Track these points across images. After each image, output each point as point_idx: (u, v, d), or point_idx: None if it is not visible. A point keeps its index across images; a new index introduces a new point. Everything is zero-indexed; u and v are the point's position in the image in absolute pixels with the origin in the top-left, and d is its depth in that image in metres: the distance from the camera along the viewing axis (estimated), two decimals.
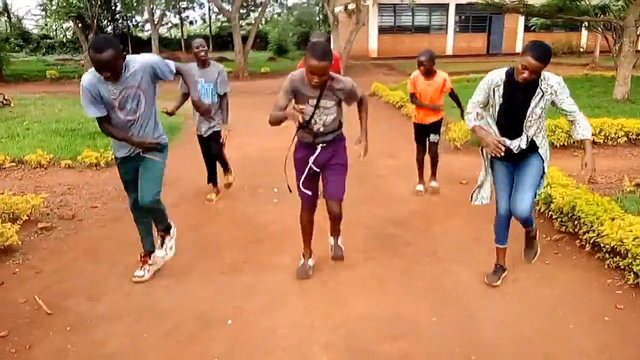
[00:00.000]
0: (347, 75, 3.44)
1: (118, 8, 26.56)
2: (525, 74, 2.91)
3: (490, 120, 3.24)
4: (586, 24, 14.30)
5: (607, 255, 3.63)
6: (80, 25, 20.25)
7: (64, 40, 31.56)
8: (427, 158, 5.31)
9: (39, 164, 6.40)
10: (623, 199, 4.40)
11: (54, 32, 33.69)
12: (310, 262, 3.68)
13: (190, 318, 3.13)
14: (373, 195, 5.33)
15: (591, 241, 3.78)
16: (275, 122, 3.18)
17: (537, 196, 3.47)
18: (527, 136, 3.18)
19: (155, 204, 3.38)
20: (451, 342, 2.86)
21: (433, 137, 5.14)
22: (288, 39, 32.15)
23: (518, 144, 3.19)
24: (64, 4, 18.99)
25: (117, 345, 2.88)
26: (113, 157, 3.56)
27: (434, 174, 5.29)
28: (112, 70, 2.95)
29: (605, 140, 6.89)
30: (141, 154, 3.33)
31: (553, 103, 3.10)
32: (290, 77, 3.16)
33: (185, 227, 4.52)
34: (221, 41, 34.77)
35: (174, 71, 3.29)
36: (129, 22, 33.36)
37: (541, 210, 4.52)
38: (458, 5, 25.26)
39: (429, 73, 4.93)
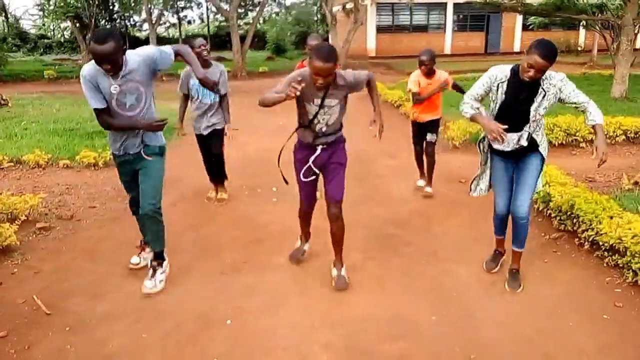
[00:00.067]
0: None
1: (116, 8, 26.54)
2: (532, 73, 2.91)
3: (488, 116, 3.24)
4: (584, 22, 14.36)
5: (605, 254, 3.64)
6: (78, 25, 20.21)
7: (62, 40, 31.55)
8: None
9: (37, 164, 6.39)
10: (621, 197, 4.41)
11: (52, 32, 33.67)
12: (306, 246, 3.74)
13: (190, 318, 3.12)
14: (373, 195, 5.33)
15: (590, 239, 3.79)
16: (269, 103, 3.05)
17: (534, 194, 3.49)
18: (528, 133, 3.18)
19: (156, 213, 3.36)
20: (451, 342, 2.86)
21: (430, 137, 5.11)
22: (286, 38, 32.13)
23: (516, 138, 3.19)
24: (62, 4, 18.97)
25: (117, 345, 2.87)
26: (111, 156, 3.52)
27: (429, 178, 5.24)
28: (112, 63, 2.93)
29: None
30: (142, 152, 3.30)
31: (560, 100, 3.10)
32: (299, 72, 3.12)
33: (185, 227, 4.52)
34: (219, 41, 34.75)
35: (173, 54, 3.27)
36: (126, 21, 33.31)
37: (540, 209, 4.52)
38: (456, 4, 25.28)
39: (430, 73, 4.93)
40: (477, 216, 4.47)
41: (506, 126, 3.04)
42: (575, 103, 3.10)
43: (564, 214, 4.17)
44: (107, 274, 3.69)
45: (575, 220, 4.01)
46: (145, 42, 28.07)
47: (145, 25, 30.82)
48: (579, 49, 24.66)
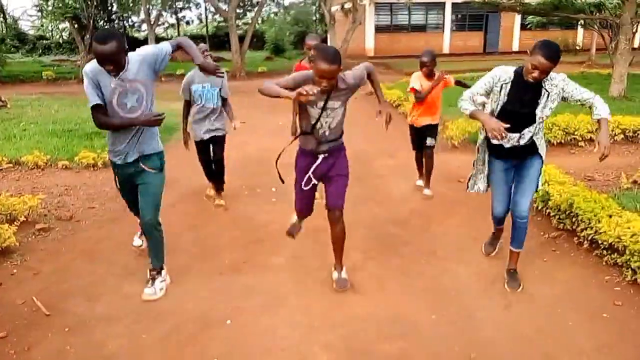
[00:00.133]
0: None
1: (114, 8, 26.47)
2: (536, 74, 2.91)
3: (488, 101, 3.24)
4: (582, 21, 14.37)
5: (605, 252, 3.65)
6: (76, 25, 20.16)
7: (60, 41, 31.48)
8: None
9: (36, 165, 6.38)
10: (620, 196, 4.41)
11: (50, 33, 33.61)
12: (302, 223, 3.72)
13: (190, 318, 3.12)
14: (372, 195, 5.33)
15: (589, 238, 3.79)
16: (271, 94, 2.94)
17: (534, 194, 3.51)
18: (532, 134, 3.18)
19: (155, 225, 3.36)
20: (451, 342, 2.86)
21: (430, 141, 5.12)
22: (285, 38, 32.10)
23: (517, 136, 3.19)
24: (60, 5, 18.90)
25: (116, 346, 2.87)
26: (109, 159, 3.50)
27: (428, 181, 5.24)
28: (114, 63, 2.93)
29: None
30: (140, 163, 3.29)
31: (564, 99, 3.10)
32: (307, 73, 3.06)
33: (184, 228, 4.52)
34: (218, 41, 34.70)
35: (172, 49, 3.25)
36: (125, 22, 33.24)
37: (539, 208, 4.53)
38: (454, 4, 25.26)
39: (431, 74, 4.93)
40: (476, 215, 4.47)
41: (508, 125, 3.04)
42: (580, 100, 3.09)
43: (563, 212, 4.17)
44: (107, 274, 3.69)
45: (574, 219, 4.02)
46: (144, 42, 28.02)
47: (144, 26, 30.79)
48: (577, 48, 24.67)
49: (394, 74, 18.09)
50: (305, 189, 3.37)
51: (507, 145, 3.25)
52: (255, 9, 25.93)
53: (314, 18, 35.02)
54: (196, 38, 33.03)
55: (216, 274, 3.68)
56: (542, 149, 3.29)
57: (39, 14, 25.03)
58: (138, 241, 3.95)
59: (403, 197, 5.25)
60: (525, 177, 3.30)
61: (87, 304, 3.30)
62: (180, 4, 35.61)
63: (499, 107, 3.16)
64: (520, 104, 3.09)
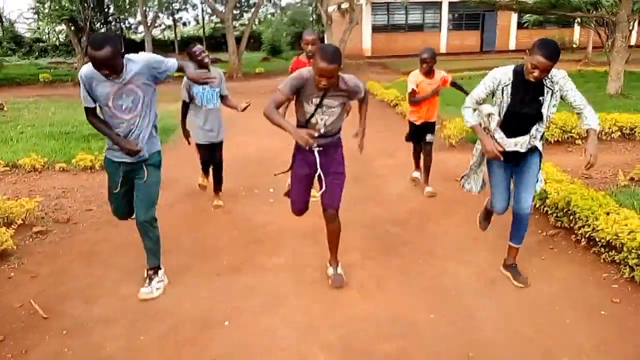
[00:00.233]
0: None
1: (111, 10, 26.45)
2: (536, 73, 2.91)
3: (494, 119, 3.22)
4: (579, 20, 14.38)
5: (602, 250, 3.65)
6: (73, 28, 20.15)
7: (57, 43, 31.44)
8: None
9: (33, 167, 6.36)
10: (618, 193, 4.41)
11: (47, 36, 33.52)
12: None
13: (189, 319, 3.12)
14: (372, 195, 5.33)
15: (587, 236, 3.80)
16: (274, 123, 3.01)
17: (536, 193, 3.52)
18: (536, 132, 3.18)
19: (151, 222, 3.35)
20: (450, 342, 2.86)
21: (430, 137, 5.14)
22: (282, 39, 32.07)
23: (522, 142, 3.19)
24: (57, 7, 18.89)
25: (114, 347, 2.87)
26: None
27: (427, 177, 5.26)
28: (110, 68, 2.91)
29: (599, 135, 6.89)
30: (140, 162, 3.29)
31: (562, 97, 3.11)
32: (299, 73, 3.06)
33: (182, 228, 4.52)
34: (215, 42, 34.68)
35: (176, 67, 3.27)
36: (122, 24, 33.23)
37: (536, 206, 4.53)
38: (451, 3, 25.31)
39: (430, 71, 4.93)
40: (474, 214, 4.46)
41: (507, 139, 3.12)
42: (572, 103, 3.09)
43: (561, 210, 4.17)
44: (104, 276, 3.68)
45: (571, 217, 4.02)
46: (141, 44, 28.00)
47: (141, 28, 30.72)
48: (574, 46, 24.69)
49: (391, 73, 18.11)
50: (299, 183, 3.37)
51: (510, 150, 3.24)
52: (252, 10, 25.95)
53: (311, 18, 34.99)
54: (193, 39, 33.04)
55: (215, 274, 3.68)
56: (540, 146, 3.30)
57: (36, 16, 25.01)
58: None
59: (402, 197, 5.25)
60: (527, 172, 3.30)
61: (84, 306, 3.29)
62: (177, 6, 35.62)
63: (503, 109, 3.15)
64: (524, 104, 3.09)
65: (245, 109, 4.90)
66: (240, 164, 6.41)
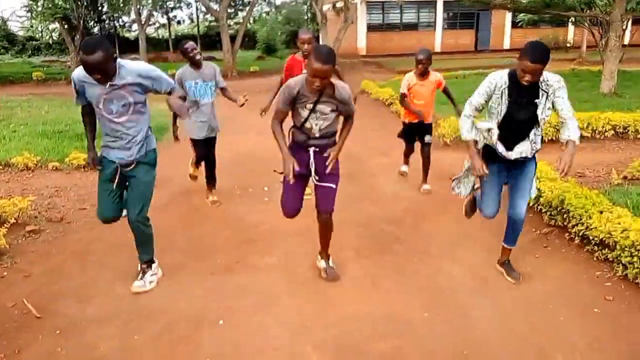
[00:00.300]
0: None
1: (104, 9, 26.29)
2: (528, 77, 2.92)
3: (495, 133, 3.22)
4: (573, 19, 14.44)
5: (595, 248, 3.66)
6: (66, 26, 20.02)
7: (50, 41, 31.22)
8: (417, 157, 5.33)
9: (26, 166, 6.32)
10: (611, 192, 4.44)
11: (40, 34, 33.29)
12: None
13: (182, 318, 3.11)
14: (367, 193, 5.33)
15: (580, 234, 3.81)
16: (275, 140, 3.17)
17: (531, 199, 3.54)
18: (535, 137, 3.18)
19: (143, 221, 3.34)
20: (445, 340, 2.86)
21: (427, 139, 5.16)
22: (276, 37, 32.04)
23: (525, 149, 3.19)
24: (50, 5, 18.76)
25: (108, 347, 2.85)
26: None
27: (425, 176, 5.29)
28: (102, 73, 2.89)
29: (593, 134, 6.96)
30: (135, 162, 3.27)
31: (552, 102, 3.11)
32: (286, 86, 3.10)
33: (176, 227, 4.50)
34: (209, 41, 34.56)
35: (168, 90, 3.23)
36: (115, 22, 33.05)
37: (530, 205, 4.54)
38: (446, 2, 25.34)
39: (425, 73, 4.93)
40: None
41: (506, 151, 3.17)
42: (559, 110, 3.08)
43: (554, 209, 4.19)
44: (98, 276, 3.66)
45: (565, 215, 4.04)
46: (135, 42, 27.87)
47: (135, 26, 30.58)
48: (568, 45, 24.78)
49: (386, 72, 18.12)
50: (294, 182, 3.34)
51: (512, 158, 3.23)
52: (247, 8, 25.86)
53: (306, 17, 34.96)
54: (187, 38, 32.93)
55: (208, 274, 3.67)
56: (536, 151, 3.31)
57: (29, 14, 24.77)
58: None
59: (397, 196, 5.26)
60: (523, 178, 3.30)
61: (78, 305, 3.27)
62: (171, 4, 35.42)
63: (501, 113, 3.13)
64: (521, 107, 3.08)
65: (244, 104, 4.91)
66: (234, 163, 6.40)
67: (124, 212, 3.44)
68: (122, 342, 2.89)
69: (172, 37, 34.48)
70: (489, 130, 3.20)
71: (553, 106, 3.10)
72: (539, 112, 3.08)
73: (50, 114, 10.22)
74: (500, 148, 3.21)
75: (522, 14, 16.31)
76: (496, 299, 3.27)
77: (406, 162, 5.60)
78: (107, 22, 29.95)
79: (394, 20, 25.96)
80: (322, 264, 3.57)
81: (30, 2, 20.26)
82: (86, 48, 2.83)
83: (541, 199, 4.36)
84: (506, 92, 3.09)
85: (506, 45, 25.93)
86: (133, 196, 3.31)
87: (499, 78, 3.11)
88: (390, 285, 3.48)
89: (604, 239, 3.53)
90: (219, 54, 23.39)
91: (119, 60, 3.05)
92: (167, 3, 34.28)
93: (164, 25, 37.56)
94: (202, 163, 5.09)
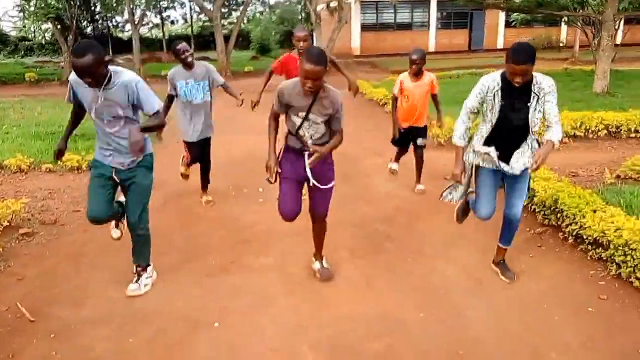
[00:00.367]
0: (329, 74, 3.38)
1: (98, 9, 26.20)
2: (517, 79, 2.93)
3: (485, 130, 3.22)
4: (566, 19, 14.53)
5: (590, 247, 3.68)
6: (59, 26, 19.91)
7: (43, 42, 31.11)
8: (411, 157, 5.34)
9: (19, 168, 6.28)
10: (604, 192, 4.46)
11: (33, 34, 33.16)
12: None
13: (178, 320, 3.10)
14: (361, 194, 5.33)
15: (574, 234, 3.83)
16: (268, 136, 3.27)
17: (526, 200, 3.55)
18: (532, 142, 3.19)
19: (142, 224, 3.33)
20: (439, 340, 2.87)
21: (421, 142, 5.16)
22: (271, 38, 32.03)
23: (524, 161, 3.19)
24: (43, 6, 18.64)
25: (103, 350, 2.84)
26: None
27: (419, 178, 5.31)
28: (92, 76, 2.86)
29: (586, 134, 6.99)
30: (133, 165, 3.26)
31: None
32: (279, 90, 3.10)
33: (172, 229, 4.49)
34: (203, 41, 34.50)
35: (156, 109, 3.14)
36: (109, 22, 32.96)
37: (524, 204, 4.55)
38: (440, 2, 25.40)
39: (419, 73, 4.93)
40: None
41: (503, 164, 3.21)
42: (547, 115, 3.08)
43: (548, 209, 4.21)
44: (92, 278, 3.65)
45: (559, 215, 4.06)
46: (129, 43, 27.73)
47: (128, 26, 30.48)
48: (561, 45, 24.91)
49: (380, 72, 18.14)
50: (291, 183, 3.33)
51: (517, 172, 3.24)
52: (241, 8, 25.82)
53: (300, 17, 34.94)
54: (181, 38, 32.83)
55: (204, 275, 3.66)
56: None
57: (21, 15, 24.64)
58: (116, 232, 3.65)
59: (391, 196, 5.26)
60: (520, 180, 3.31)
61: (72, 308, 3.26)
62: (165, 4, 35.32)
63: (496, 115, 3.13)
64: (514, 110, 3.08)
65: (242, 104, 4.94)
66: (229, 163, 6.39)
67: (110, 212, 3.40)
68: (117, 346, 2.88)
69: (166, 37, 34.40)
70: (486, 154, 3.22)
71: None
72: (530, 114, 3.09)
73: (43, 115, 10.17)
74: (506, 168, 3.22)
75: (515, 14, 16.39)
76: (491, 299, 3.28)
77: (397, 160, 5.61)
78: (100, 22, 29.85)
79: (388, 20, 26.00)
80: (316, 265, 3.58)
81: (23, 2, 20.13)
82: (77, 51, 2.81)
83: (535, 199, 4.38)
84: (499, 94, 3.09)
85: (500, 45, 26.04)
86: (132, 201, 3.30)
87: (492, 80, 3.12)
88: (385, 285, 3.49)
89: (597, 238, 3.55)
90: (213, 54, 23.33)
91: (114, 68, 3.03)
92: (161, 3, 34.17)
93: (157, 25, 37.44)
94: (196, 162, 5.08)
